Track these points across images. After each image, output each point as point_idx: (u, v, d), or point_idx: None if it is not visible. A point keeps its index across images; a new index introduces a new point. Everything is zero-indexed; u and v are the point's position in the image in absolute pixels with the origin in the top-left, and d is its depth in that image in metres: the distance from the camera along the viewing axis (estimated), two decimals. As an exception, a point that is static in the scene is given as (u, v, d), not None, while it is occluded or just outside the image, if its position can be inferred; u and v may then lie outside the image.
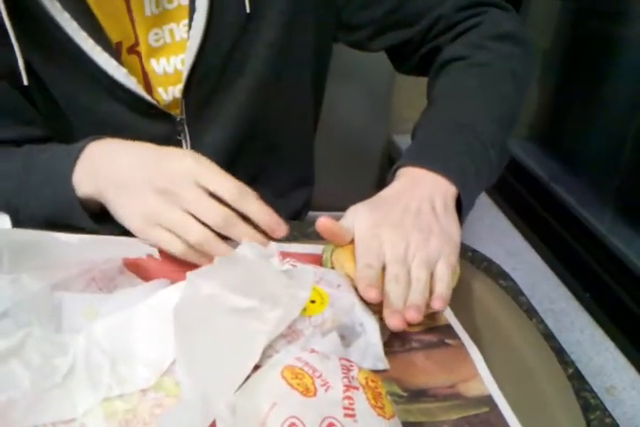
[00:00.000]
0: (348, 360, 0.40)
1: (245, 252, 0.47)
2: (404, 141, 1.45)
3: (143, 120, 0.69)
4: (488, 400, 0.46)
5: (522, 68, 0.72)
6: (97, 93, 0.66)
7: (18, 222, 0.59)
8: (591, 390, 0.49)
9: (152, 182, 0.53)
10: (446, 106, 0.68)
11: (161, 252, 0.52)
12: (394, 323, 0.47)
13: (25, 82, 0.63)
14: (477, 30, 0.73)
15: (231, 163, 0.74)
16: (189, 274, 0.43)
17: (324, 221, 0.52)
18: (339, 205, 1.07)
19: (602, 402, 0.48)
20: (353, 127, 1.20)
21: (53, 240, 0.48)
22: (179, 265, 0.54)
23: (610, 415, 0.47)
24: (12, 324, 0.43)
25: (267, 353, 0.43)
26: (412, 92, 1.42)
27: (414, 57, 0.78)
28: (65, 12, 0.60)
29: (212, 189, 0.52)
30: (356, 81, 0.90)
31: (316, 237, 0.64)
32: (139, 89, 0.66)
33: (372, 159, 1.30)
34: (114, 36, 0.64)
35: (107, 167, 0.56)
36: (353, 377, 0.38)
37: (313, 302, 0.47)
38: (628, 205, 0.95)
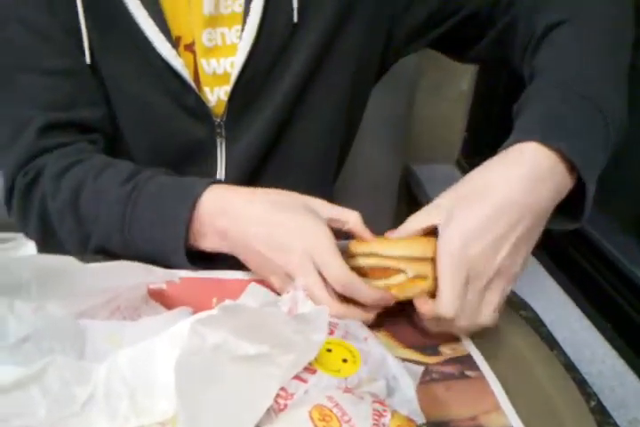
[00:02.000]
0: (382, 404, 0.39)
1: (249, 299, 0.45)
2: (422, 171, 1.45)
3: (184, 117, 0.71)
4: (510, 433, 0.45)
5: (624, 23, 0.66)
6: (148, 82, 0.69)
7: (104, 248, 0.62)
8: (614, 424, 0.48)
9: (276, 265, 0.54)
10: (561, 75, 0.60)
11: (183, 278, 0.53)
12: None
13: (88, 60, 0.67)
14: None
15: (256, 169, 0.75)
16: (192, 323, 0.41)
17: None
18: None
19: (625, 436, 0.47)
20: (369, 156, 1.20)
21: (78, 267, 0.48)
22: (202, 292, 0.55)
23: (634, 450, 0.46)
24: (34, 349, 0.43)
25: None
26: (430, 120, 1.44)
27: (487, 38, 0.75)
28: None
29: (324, 276, 0.53)
30: (373, 108, 0.91)
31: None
32: (191, 81, 0.68)
33: (389, 189, 1.30)
34: (174, 31, 0.68)
35: (234, 229, 0.57)
36: (384, 424, 0.37)
37: (345, 360, 0.44)
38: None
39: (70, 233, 0.63)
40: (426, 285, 0.53)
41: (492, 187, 0.53)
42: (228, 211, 0.57)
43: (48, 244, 0.66)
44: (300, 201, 0.58)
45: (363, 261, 0.55)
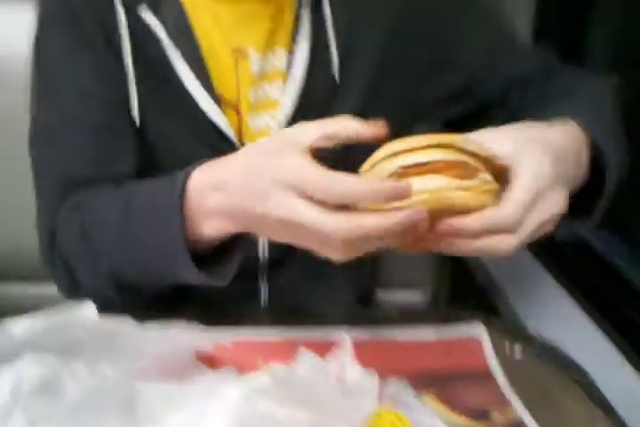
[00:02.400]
0: None
1: (302, 367, 0.45)
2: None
3: None
4: None
5: (614, 90, 0.72)
6: (192, 139, 0.69)
7: (117, 278, 0.61)
8: None
9: (273, 221, 0.49)
10: (581, 108, 0.65)
11: (233, 342, 0.53)
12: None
13: (137, 123, 0.68)
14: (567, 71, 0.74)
15: None
16: (244, 390, 0.40)
17: None
18: (404, 281, 1.04)
19: None
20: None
21: (131, 328, 0.50)
22: (251, 355, 0.55)
23: None
24: (89, 411, 0.44)
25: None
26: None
27: (499, 118, 0.74)
28: (182, 59, 0.66)
29: (320, 200, 0.46)
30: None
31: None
32: (235, 139, 0.69)
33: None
34: (218, 90, 0.69)
35: (227, 201, 0.52)
36: None
37: None
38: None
39: (85, 269, 0.63)
40: (490, 198, 0.46)
41: (545, 138, 0.53)
42: (215, 185, 0.53)
43: (75, 294, 0.66)
44: (277, 138, 0.54)
45: (423, 157, 0.46)
